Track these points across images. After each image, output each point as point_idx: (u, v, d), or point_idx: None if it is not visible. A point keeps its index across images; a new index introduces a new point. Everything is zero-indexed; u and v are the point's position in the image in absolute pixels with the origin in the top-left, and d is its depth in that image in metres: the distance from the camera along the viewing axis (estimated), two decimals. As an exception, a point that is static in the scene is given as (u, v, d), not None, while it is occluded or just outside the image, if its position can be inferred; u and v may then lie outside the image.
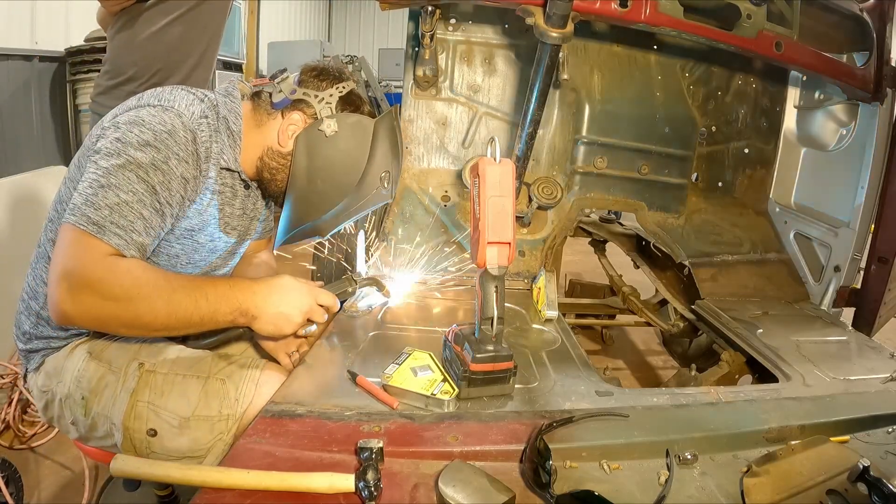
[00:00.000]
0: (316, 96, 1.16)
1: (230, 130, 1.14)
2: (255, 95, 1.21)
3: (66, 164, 1.09)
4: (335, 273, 2.29)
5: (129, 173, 0.95)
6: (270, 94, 1.18)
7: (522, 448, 0.87)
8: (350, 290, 1.20)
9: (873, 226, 1.76)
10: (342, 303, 1.38)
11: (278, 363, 1.17)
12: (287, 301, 1.05)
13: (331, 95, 1.17)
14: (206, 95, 1.13)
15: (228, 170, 1.15)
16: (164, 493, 1.49)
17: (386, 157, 1.21)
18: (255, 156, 1.18)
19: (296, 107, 1.16)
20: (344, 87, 1.18)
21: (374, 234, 1.98)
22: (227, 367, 1.08)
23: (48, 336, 1.10)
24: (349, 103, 1.19)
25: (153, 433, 1.01)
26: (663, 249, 1.84)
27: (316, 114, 1.16)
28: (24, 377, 1.20)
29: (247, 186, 1.22)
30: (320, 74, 1.19)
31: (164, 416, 1.02)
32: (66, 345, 1.11)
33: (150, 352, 1.09)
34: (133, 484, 1.54)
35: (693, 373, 1.56)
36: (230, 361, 1.10)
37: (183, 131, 1.02)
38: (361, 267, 1.55)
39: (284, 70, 1.21)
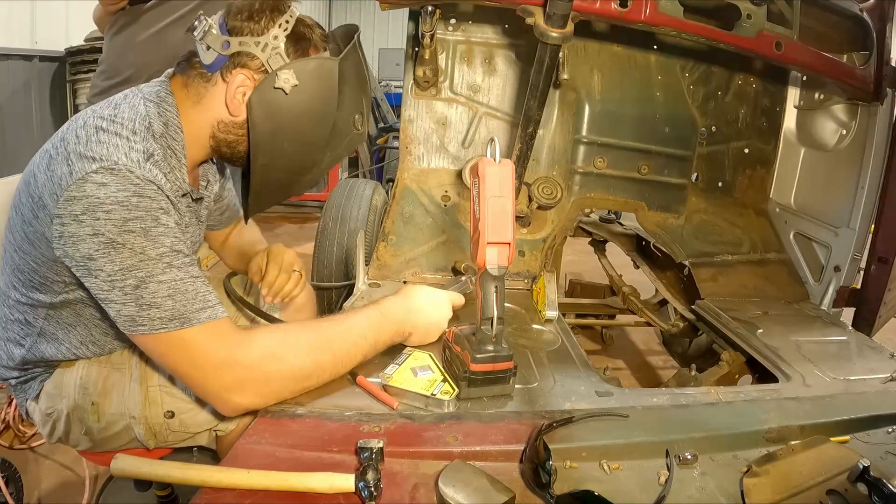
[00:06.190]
0: (257, 43, 0.93)
1: (172, 150, 0.95)
2: (183, 64, 1.00)
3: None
4: (334, 269, 2.28)
5: (145, 259, 0.83)
6: (199, 56, 0.97)
7: (522, 448, 0.87)
8: (471, 289, 1.29)
9: (873, 226, 1.75)
10: None
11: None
12: (437, 315, 1.10)
13: (275, 38, 0.94)
14: (134, 126, 0.89)
15: (183, 195, 1.00)
16: (163, 494, 1.49)
17: (355, 95, 1.03)
18: (206, 135, 1.00)
19: (236, 63, 0.95)
20: (287, 22, 0.95)
21: (374, 233, 1.98)
22: None
23: (44, 357, 1.02)
24: (299, 40, 0.96)
25: (171, 415, 1.00)
26: (663, 249, 1.84)
27: (264, 66, 0.94)
28: (26, 413, 1.11)
29: (194, 199, 1.08)
30: (252, 14, 0.94)
31: (178, 395, 1.01)
32: (59, 363, 1.06)
33: None
34: (145, 484, 1.53)
35: (693, 373, 1.55)
36: None
37: (143, 183, 0.85)
38: (361, 267, 1.54)
39: (201, 15, 0.95)
